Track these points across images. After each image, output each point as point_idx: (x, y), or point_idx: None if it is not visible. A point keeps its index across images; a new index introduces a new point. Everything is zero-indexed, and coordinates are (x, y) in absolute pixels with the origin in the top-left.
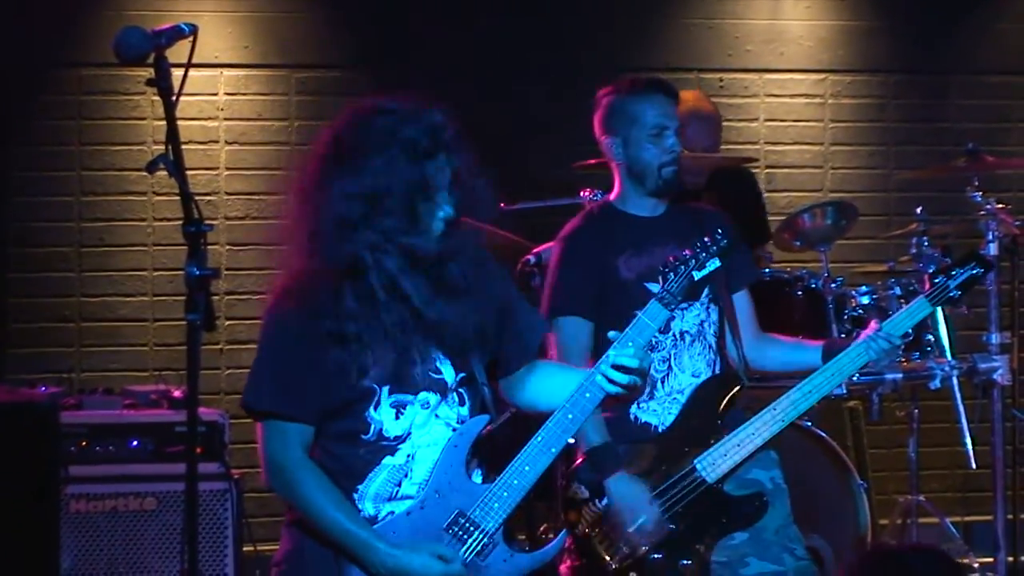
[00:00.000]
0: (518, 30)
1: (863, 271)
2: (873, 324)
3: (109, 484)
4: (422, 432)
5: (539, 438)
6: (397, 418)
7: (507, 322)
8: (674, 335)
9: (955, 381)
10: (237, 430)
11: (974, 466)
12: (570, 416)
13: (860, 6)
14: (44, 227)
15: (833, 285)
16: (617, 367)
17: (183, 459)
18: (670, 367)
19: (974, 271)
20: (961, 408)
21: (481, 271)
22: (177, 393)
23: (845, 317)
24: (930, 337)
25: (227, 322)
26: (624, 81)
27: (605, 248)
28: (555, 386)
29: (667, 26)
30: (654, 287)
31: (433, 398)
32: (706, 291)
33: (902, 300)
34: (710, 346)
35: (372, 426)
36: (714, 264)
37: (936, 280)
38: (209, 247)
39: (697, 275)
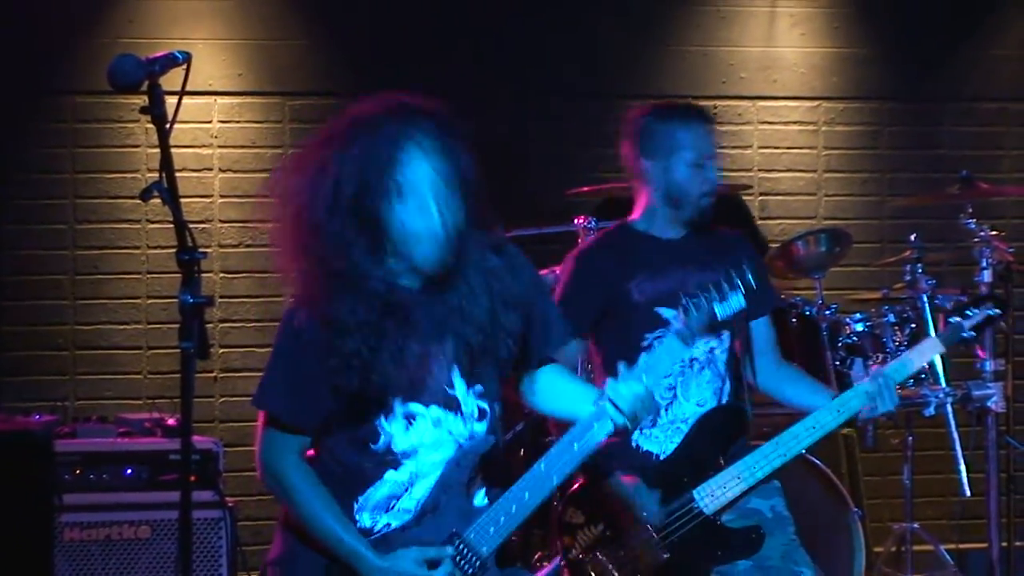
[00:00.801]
0: (513, 58)
1: (857, 298)
2: (875, 367)
3: (103, 512)
4: (429, 449)
5: (541, 465)
6: (407, 430)
7: (529, 323)
8: (683, 361)
9: (949, 408)
10: (231, 458)
11: (968, 494)
12: (576, 446)
13: (854, 33)
14: (38, 255)
15: (827, 312)
16: (623, 395)
17: (177, 487)
18: (675, 395)
19: (990, 312)
20: (955, 435)
21: (501, 273)
22: (171, 421)
23: (839, 344)
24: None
25: (221, 350)
26: (662, 104)
27: (617, 269)
28: (562, 393)
29: (661, 53)
30: (666, 312)
31: (444, 415)
32: None
33: (896, 327)
34: (719, 374)
35: (381, 437)
36: (738, 300)
37: (951, 320)
38: (203, 275)
39: (720, 311)
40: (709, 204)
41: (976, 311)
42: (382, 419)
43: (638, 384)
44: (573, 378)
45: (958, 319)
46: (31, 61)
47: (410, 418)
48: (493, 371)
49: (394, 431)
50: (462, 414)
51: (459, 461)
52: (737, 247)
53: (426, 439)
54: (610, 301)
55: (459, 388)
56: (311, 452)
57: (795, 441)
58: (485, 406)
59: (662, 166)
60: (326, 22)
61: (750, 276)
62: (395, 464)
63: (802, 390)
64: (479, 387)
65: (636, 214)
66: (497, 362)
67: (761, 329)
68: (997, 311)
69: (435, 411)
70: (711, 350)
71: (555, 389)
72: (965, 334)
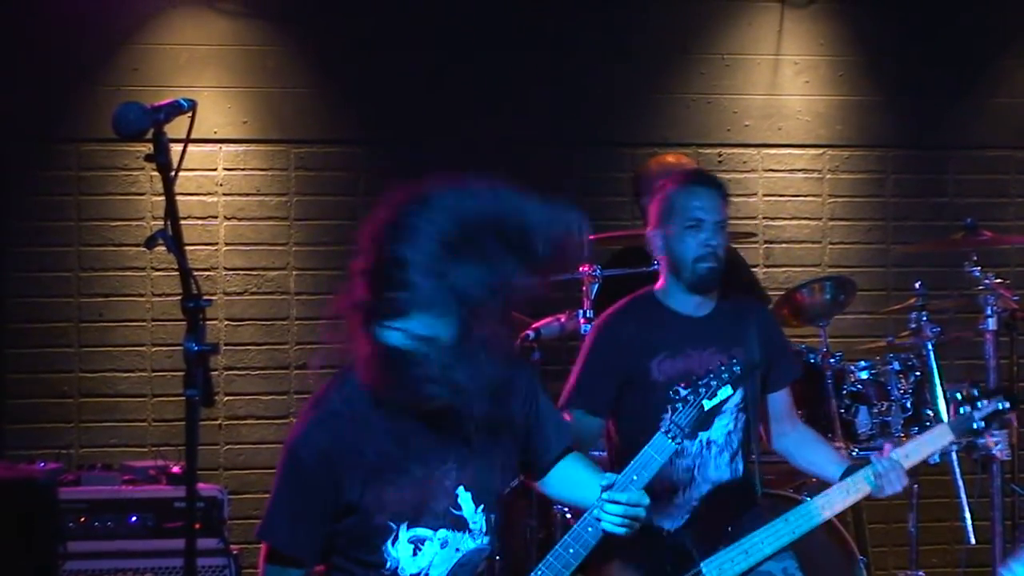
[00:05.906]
0: (516, 108)
1: (862, 346)
2: (888, 448)
3: (108, 560)
4: (439, 568)
5: (539, 574)
6: (415, 555)
7: (533, 432)
8: (701, 443)
9: (954, 456)
10: (236, 506)
11: (973, 541)
12: (571, 550)
13: (858, 81)
14: (42, 302)
15: (832, 360)
16: (614, 503)
17: (182, 535)
18: (693, 477)
19: (1000, 405)
20: (960, 483)
21: (506, 384)
22: (176, 469)
23: (844, 392)
24: (929, 412)
25: (226, 398)
26: (676, 176)
27: (639, 347)
28: (573, 484)
29: (666, 101)
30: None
31: (452, 536)
32: (737, 399)
33: (901, 375)
34: (735, 453)
35: (388, 562)
36: (726, 392)
37: (961, 410)
38: (208, 322)
39: (708, 404)
40: (707, 270)
41: (987, 403)
42: (388, 545)
43: (625, 494)
44: (584, 465)
45: (969, 409)
46: (36, 109)
47: (417, 543)
48: (497, 482)
49: (401, 556)
50: (470, 531)
51: (457, 573)
52: (754, 322)
53: (436, 561)
54: (630, 378)
55: (466, 508)
56: (321, 568)
57: (805, 519)
58: (492, 517)
59: (663, 233)
60: (331, 70)
61: (739, 367)
62: None
63: (815, 457)
64: (484, 502)
65: (658, 285)
66: (501, 474)
67: (779, 397)
68: (1007, 404)
69: (443, 533)
70: (728, 433)
71: (566, 479)
72: (975, 424)
